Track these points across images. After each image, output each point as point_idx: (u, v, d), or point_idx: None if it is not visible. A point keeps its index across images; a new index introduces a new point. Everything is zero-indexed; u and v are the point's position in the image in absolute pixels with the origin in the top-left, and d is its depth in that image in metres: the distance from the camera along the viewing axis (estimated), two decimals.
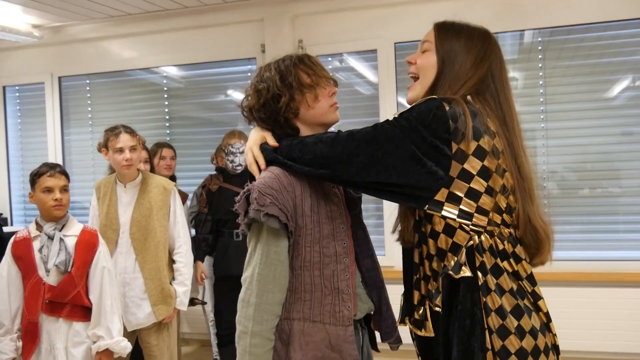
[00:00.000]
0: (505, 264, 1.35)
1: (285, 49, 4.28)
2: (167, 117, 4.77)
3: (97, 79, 4.96)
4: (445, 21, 1.50)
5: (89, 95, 4.99)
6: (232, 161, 3.58)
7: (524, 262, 1.38)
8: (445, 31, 1.47)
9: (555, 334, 1.41)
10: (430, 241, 1.40)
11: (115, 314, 2.52)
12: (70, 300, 2.44)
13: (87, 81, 4.98)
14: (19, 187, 5.24)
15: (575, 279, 3.69)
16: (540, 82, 3.91)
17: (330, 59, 4.37)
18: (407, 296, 1.53)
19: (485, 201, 1.34)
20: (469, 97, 1.42)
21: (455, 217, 1.34)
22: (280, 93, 1.51)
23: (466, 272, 1.32)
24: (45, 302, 2.41)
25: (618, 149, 3.82)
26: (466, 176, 1.33)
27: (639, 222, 3.81)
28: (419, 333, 1.45)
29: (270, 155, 1.50)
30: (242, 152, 3.58)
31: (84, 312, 2.49)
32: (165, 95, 4.79)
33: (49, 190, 2.43)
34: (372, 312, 1.66)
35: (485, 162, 1.33)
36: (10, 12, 4.32)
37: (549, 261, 1.44)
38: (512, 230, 1.39)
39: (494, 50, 1.46)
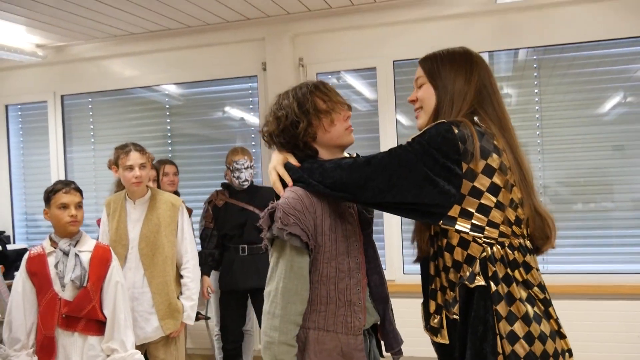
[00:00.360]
0: (516, 273, 1.44)
1: (285, 67, 4.40)
2: (169, 134, 4.85)
3: (100, 97, 5.03)
4: (426, 55, 1.65)
5: (91, 113, 5.05)
6: (238, 177, 3.65)
7: (534, 270, 1.47)
8: (430, 63, 1.61)
9: (567, 338, 1.49)
10: (446, 254, 1.50)
11: (129, 327, 2.58)
12: (86, 314, 2.49)
13: (90, 99, 5.04)
14: (21, 204, 5.27)
15: (570, 292, 3.77)
16: (536, 99, 4.03)
17: (330, 76, 4.47)
18: (425, 305, 1.63)
19: (496, 215, 1.44)
20: (476, 118, 1.56)
21: (468, 230, 1.44)
22: (298, 119, 1.63)
23: (480, 281, 1.42)
24: (61, 316, 2.45)
25: (610, 163, 3.93)
26: (476, 193, 1.44)
27: (632, 235, 3.91)
28: (435, 339, 1.56)
29: (297, 174, 1.60)
30: (247, 168, 3.65)
31: (98, 326, 2.54)
32: (167, 113, 4.86)
33: (65, 206, 2.49)
34: (377, 323, 1.78)
35: (494, 179, 1.44)
36: (14, 32, 4.39)
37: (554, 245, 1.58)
38: (521, 241, 1.49)
39: (477, 62, 1.59)
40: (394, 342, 1.78)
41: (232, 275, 3.62)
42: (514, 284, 1.43)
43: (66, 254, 2.49)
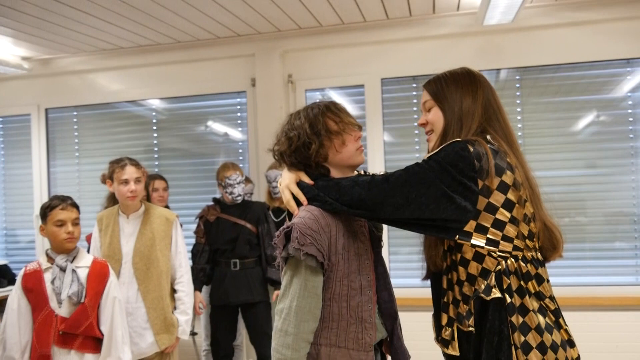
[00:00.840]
0: (529, 285, 1.50)
1: (275, 83, 4.45)
2: (156, 149, 4.83)
3: (85, 110, 4.98)
4: (430, 79, 1.70)
5: (76, 127, 5.00)
6: (231, 193, 3.67)
7: (545, 283, 1.54)
8: (435, 85, 1.66)
9: (576, 347, 1.55)
10: (461, 268, 1.55)
11: (127, 344, 2.56)
12: (83, 331, 2.46)
13: (75, 113, 5.00)
14: (1, 219, 5.17)
15: None
16: (519, 117, 4.15)
17: (317, 93, 4.53)
18: (436, 317, 1.67)
19: (510, 230, 1.50)
20: (488, 137, 1.61)
21: (483, 245, 1.49)
22: (310, 141, 1.67)
23: (496, 293, 1.47)
24: (58, 333, 2.42)
25: (583, 180, 4.07)
26: (491, 209, 1.49)
27: (605, 249, 4.04)
28: (445, 351, 1.60)
29: (311, 193, 1.63)
30: (239, 183, 3.68)
31: (94, 343, 2.52)
32: (154, 127, 4.85)
33: (62, 223, 2.47)
34: (384, 338, 1.80)
35: (509, 195, 1.50)
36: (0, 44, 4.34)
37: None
38: (533, 254, 1.55)
39: (481, 81, 1.65)
40: (402, 358, 1.81)
41: (224, 289, 3.62)
42: (527, 296, 1.49)
43: (63, 269, 2.47)
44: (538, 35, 4.07)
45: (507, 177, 1.51)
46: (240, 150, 4.67)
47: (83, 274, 2.51)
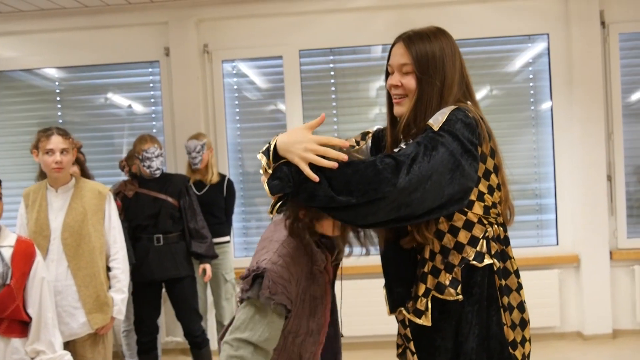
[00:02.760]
0: (508, 249, 1.56)
1: (190, 52, 4.32)
2: (60, 121, 4.51)
3: None
4: (410, 36, 1.56)
5: None
6: (149, 166, 3.53)
7: (510, 246, 1.59)
8: (418, 52, 1.52)
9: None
10: (448, 237, 1.50)
11: (56, 327, 2.43)
12: (9, 315, 2.29)
13: None
14: None
15: None
16: None
17: (234, 64, 4.46)
18: (400, 288, 1.62)
19: (496, 195, 1.52)
20: (469, 103, 1.57)
21: (481, 212, 1.49)
22: None
23: (488, 259, 1.48)
24: None
25: None
26: (486, 174, 1.49)
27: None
28: (418, 321, 1.54)
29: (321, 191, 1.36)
30: (157, 156, 3.55)
31: (21, 327, 2.35)
32: (58, 98, 4.52)
33: None
34: None
35: (495, 161, 1.52)
36: None
37: None
38: (501, 219, 1.58)
39: (454, 43, 1.57)
40: None
41: (147, 265, 3.50)
42: (508, 260, 1.53)
43: None
44: (449, 11, 4.28)
45: (492, 143, 1.52)
46: (154, 123, 4.50)
47: (7, 253, 2.32)
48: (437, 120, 1.45)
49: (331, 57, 4.42)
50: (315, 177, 1.31)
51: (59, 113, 4.53)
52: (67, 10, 4.28)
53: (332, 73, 4.44)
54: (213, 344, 3.88)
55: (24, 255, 2.38)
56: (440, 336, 1.52)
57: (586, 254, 4.23)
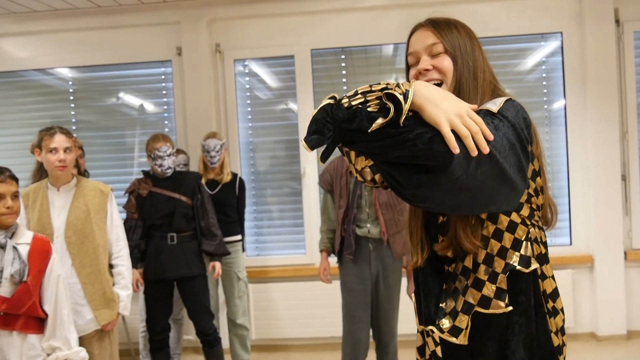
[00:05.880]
0: (547, 253, 1.43)
1: (202, 52, 4.33)
2: (74, 120, 4.54)
3: None
4: (438, 18, 1.45)
5: None
6: (160, 165, 3.53)
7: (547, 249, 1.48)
8: (446, 29, 1.41)
9: None
10: (492, 242, 1.35)
11: (72, 323, 2.45)
12: (26, 311, 2.32)
13: None
14: None
15: None
16: None
17: (246, 63, 4.46)
18: (427, 302, 1.47)
19: (540, 198, 1.41)
20: (508, 91, 1.45)
21: (527, 214, 1.36)
22: None
23: (535, 264, 1.35)
24: None
25: None
26: (534, 175, 1.37)
27: None
28: (454, 341, 1.38)
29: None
30: (169, 155, 3.55)
31: (37, 323, 2.38)
32: (72, 98, 4.55)
33: (0, 197, 2.29)
34: None
35: (540, 162, 1.40)
36: None
37: None
38: (541, 222, 1.45)
39: (471, 30, 1.46)
40: None
41: (160, 264, 3.51)
42: (545, 264, 1.41)
43: (3, 247, 2.30)
44: (462, 10, 4.26)
45: (536, 143, 1.39)
46: (166, 122, 4.52)
47: (24, 251, 2.35)
48: (494, 104, 1.28)
49: (343, 57, 4.42)
50: (455, 147, 1.09)
51: (72, 112, 4.55)
52: (81, 10, 4.30)
53: (343, 72, 4.44)
54: (225, 343, 3.89)
55: (41, 252, 2.40)
56: (481, 354, 1.37)
57: (600, 254, 4.20)
